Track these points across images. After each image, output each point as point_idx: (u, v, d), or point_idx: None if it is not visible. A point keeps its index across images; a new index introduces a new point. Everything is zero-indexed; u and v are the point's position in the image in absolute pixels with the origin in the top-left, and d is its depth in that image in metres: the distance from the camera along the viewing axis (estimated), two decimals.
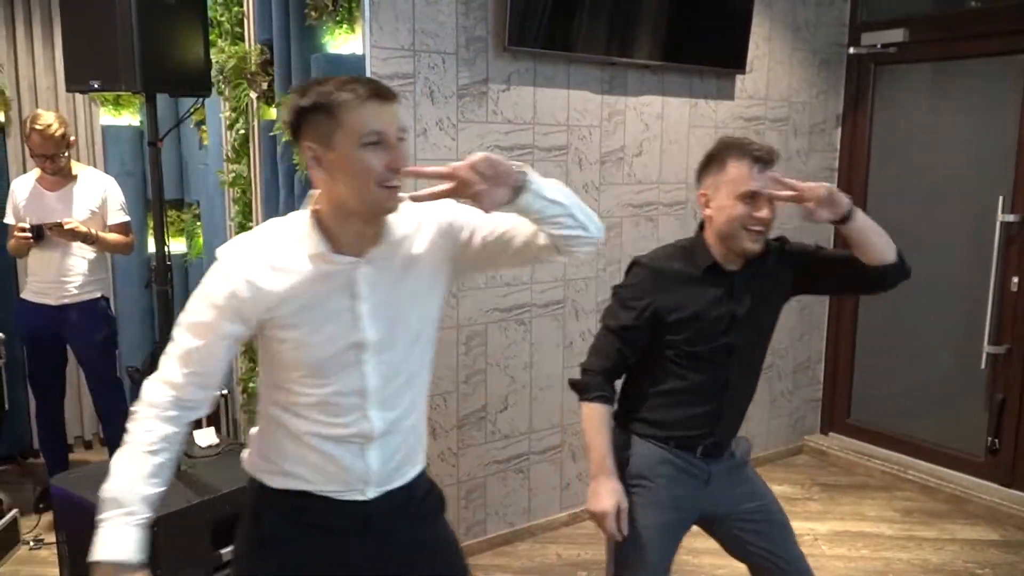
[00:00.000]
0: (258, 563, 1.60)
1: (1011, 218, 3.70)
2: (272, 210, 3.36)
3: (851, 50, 4.18)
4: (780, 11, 3.95)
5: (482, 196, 1.38)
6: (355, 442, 1.53)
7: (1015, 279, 3.72)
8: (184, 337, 1.49)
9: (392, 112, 1.42)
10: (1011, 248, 3.73)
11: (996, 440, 3.80)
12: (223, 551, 2.70)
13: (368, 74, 2.86)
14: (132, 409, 1.50)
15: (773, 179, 1.93)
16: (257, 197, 3.51)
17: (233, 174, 3.69)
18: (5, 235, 3.54)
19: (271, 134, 3.17)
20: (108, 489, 1.44)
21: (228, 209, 3.87)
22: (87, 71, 2.65)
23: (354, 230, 1.46)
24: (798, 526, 3.57)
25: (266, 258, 1.46)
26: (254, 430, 1.64)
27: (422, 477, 1.68)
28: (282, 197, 3.26)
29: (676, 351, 2.03)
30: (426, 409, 1.67)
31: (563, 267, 3.45)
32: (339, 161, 1.40)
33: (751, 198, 1.93)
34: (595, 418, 2.00)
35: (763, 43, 3.91)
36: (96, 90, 2.69)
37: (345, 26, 2.91)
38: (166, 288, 2.83)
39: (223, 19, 3.59)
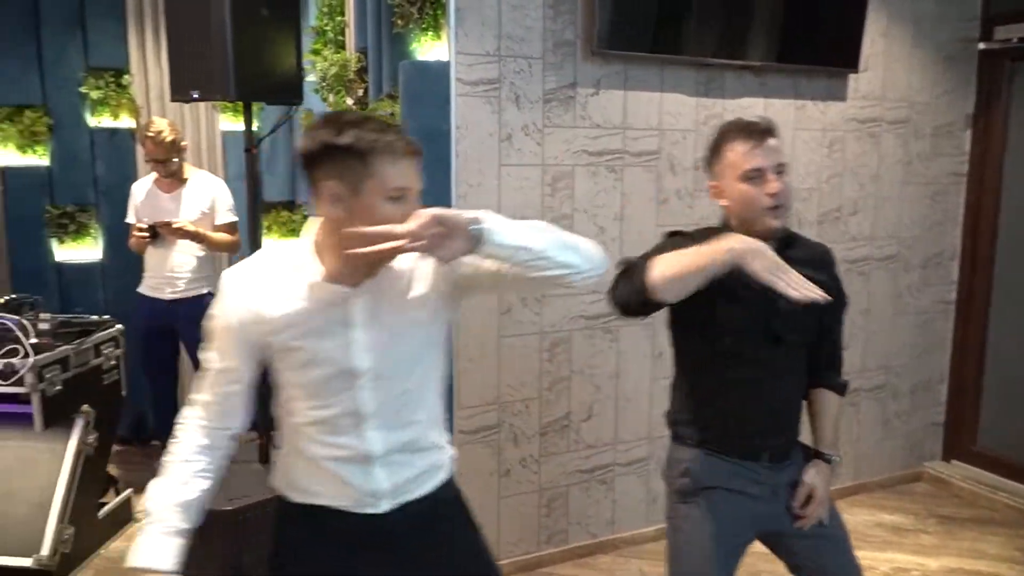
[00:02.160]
0: (274, 573, 1.65)
1: None
2: None
3: (982, 45, 3.85)
4: (899, 5, 3.69)
5: (435, 250, 1.36)
6: (357, 461, 1.56)
7: None
8: (209, 360, 1.58)
9: (415, 168, 1.44)
10: None
11: None
12: (246, 558, 2.75)
13: (453, 80, 2.88)
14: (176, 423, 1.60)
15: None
16: None
17: None
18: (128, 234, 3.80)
19: None
20: (146, 499, 1.53)
21: None
22: (188, 82, 2.80)
23: (351, 263, 1.45)
24: (905, 559, 3.37)
25: (266, 284, 1.51)
26: (278, 450, 1.71)
27: (447, 488, 1.69)
28: None
29: None
30: (440, 422, 1.69)
31: None
32: (362, 210, 1.40)
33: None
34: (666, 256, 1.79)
35: (879, 39, 3.67)
36: (196, 99, 2.84)
37: (431, 33, 2.95)
38: None
39: (327, 28, 3.73)
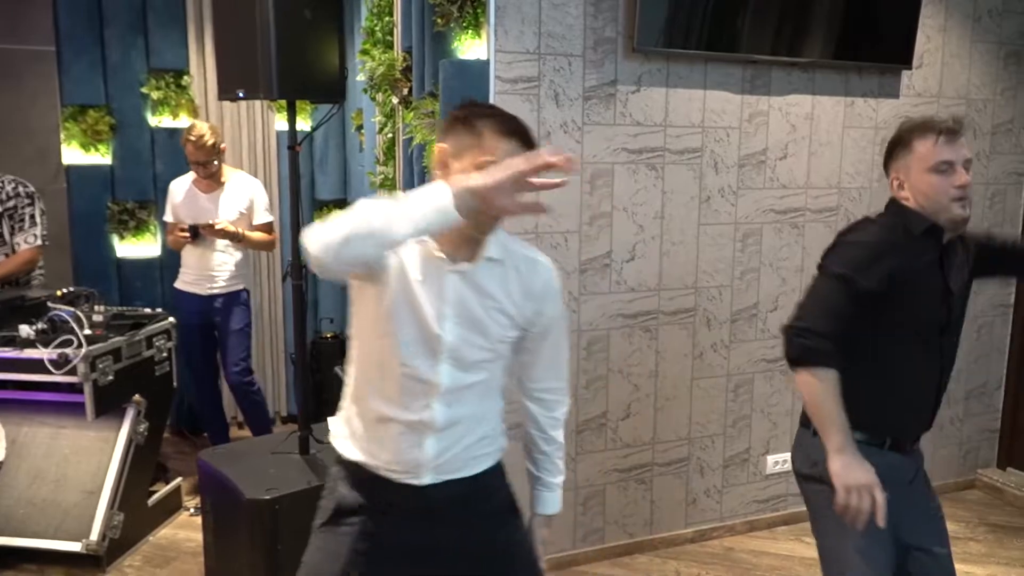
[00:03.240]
0: (332, 533, 1.70)
1: None
2: None
3: None
4: (958, 1, 3.58)
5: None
6: (416, 429, 1.62)
7: None
8: None
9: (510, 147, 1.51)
10: None
11: None
12: (281, 547, 2.79)
13: (492, 78, 2.90)
14: None
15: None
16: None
17: (382, 175, 3.88)
18: (168, 231, 3.92)
19: (404, 137, 3.29)
20: None
21: None
22: (234, 81, 2.88)
23: (455, 234, 1.53)
24: None
25: None
26: (343, 403, 1.76)
27: (492, 476, 1.76)
28: None
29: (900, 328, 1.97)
30: (498, 416, 1.76)
31: (695, 274, 3.32)
32: (457, 173, 1.51)
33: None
34: (831, 388, 1.84)
35: (936, 35, 3.56)
36: (241, 98, 2.91)
37: (471, 31, 2.97)
38: (300, 283, 3.01)
39: (376, 28, 3.78)
